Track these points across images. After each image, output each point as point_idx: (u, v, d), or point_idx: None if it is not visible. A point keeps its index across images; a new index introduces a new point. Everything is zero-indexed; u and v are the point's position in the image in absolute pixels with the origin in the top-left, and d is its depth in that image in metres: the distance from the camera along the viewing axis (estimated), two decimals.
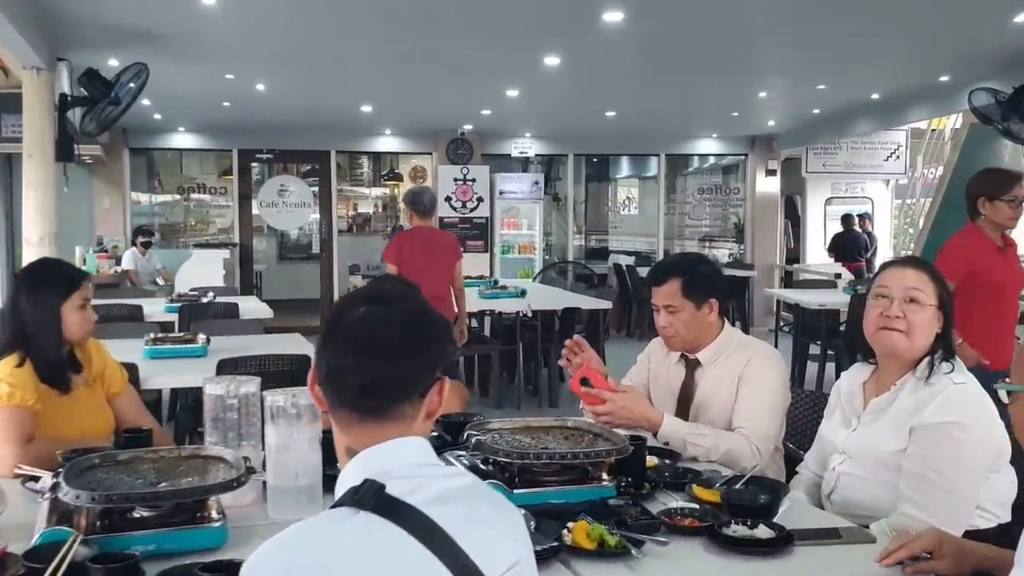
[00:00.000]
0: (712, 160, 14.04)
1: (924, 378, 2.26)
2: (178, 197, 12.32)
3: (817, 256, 13.29)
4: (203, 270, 9.98)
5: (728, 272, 11.80)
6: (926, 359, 2.28)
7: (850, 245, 12.76)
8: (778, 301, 9.03)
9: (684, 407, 2.88)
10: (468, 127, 11.32)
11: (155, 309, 6.48)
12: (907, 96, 8.60)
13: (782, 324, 8.56)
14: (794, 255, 14.40)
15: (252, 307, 6.99)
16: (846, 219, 12.91)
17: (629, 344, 11.15)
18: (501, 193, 11.59)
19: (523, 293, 7.82)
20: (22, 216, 5.46)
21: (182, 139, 11.31)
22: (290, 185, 11.47)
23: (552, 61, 6.84)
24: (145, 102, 8.84)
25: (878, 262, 13.53)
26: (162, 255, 10.49)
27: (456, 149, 11.65)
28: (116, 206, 10.99)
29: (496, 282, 8.79)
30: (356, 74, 7.66)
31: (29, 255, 5.36)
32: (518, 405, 7.36)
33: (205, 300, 6.70)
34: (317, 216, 11.92)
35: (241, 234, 11.47)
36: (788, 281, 12.35)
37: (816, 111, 9.96)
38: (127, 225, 10.97)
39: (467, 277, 9.01)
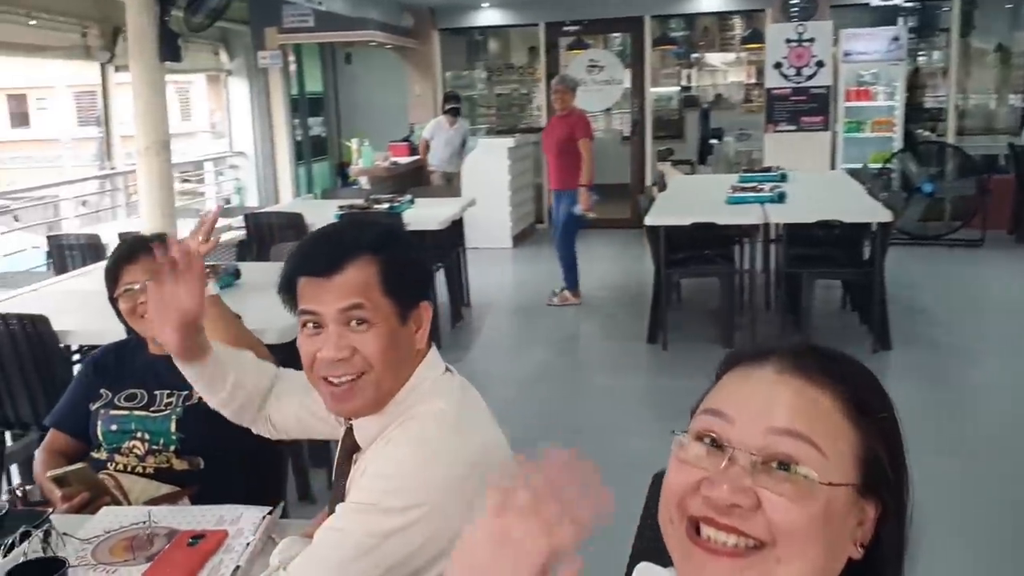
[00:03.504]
0: None
1: None
2: (492, 79, 11.67)
3: None
4: (487, 162, 9.32)
5: None
6: None
7: None
8: None
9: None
10: None
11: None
12: None
13: None
14: None
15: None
16: None
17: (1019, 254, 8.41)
18: (847, 55, 9.14)
19: (781, 197, 5.92)
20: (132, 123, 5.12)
21: (488, 16, 10.56)
22: (600, 60, 10.20)
23: None
24: None
25: None
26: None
27: (800, 1, 9.38)
28: (427, 92, 10.68)
29: (783, 176, 6.86)
30: None
31: (140, 166, 5.07)
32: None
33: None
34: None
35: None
36: None
37: None
38: (438, 111, 10.62)
39: (748, 171, 7.28)
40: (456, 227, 6.61)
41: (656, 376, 5.62)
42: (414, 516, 1.30)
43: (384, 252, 1.42)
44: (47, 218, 8.55)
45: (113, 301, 2.29)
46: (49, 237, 6.14)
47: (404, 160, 9.51)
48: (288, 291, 1.45)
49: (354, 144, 8.89)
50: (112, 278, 2.28)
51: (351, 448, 1.50)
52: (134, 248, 2.28)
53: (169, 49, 4.91)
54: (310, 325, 1.41)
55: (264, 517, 1.76)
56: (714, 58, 13.64)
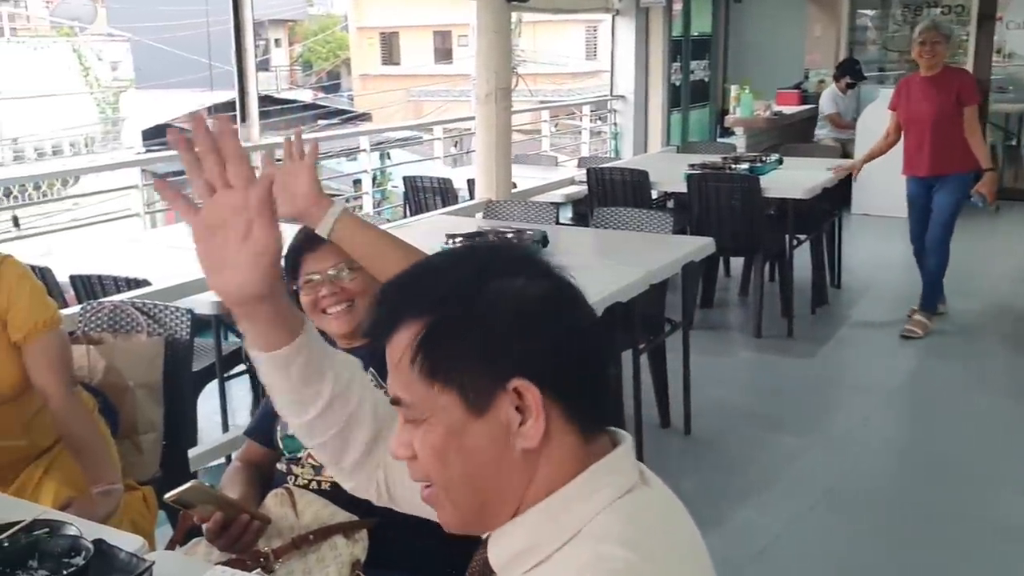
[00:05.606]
0: None
1: None
2: (911, 20, 9.96)
3: None
4: (887, 116, 7.94)
5: None
6: None
7: None
8: None
9: None
10: None
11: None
12: None
13: None
14: None
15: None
16: None
17: None
18: None
19: None
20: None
21: None
22: None
23: None
24: None
25: None
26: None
27: None
28: (829, 34, 9.44)
29: None
30: None
31: (479, 114, 4.80)
32: None
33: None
34: None
35: (976, 66, 8.78)
36: None
37: None
38: (839, 55, 9.35)
39: None
40: (831, 192, 5.61)
41: None
42: None
43: (441, 308, 0.93)
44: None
45: (294, 294, 1.93)
46: (405, 178, 6.19)
47: (790, 110, 8.49)
48: None
49: (732, 91, 8.07)
50: (292, 268, 1.92)
51: (482, 570, 0.99)
52: (316, 235, 1.89)
53: None
54: None
55: None
56: None
